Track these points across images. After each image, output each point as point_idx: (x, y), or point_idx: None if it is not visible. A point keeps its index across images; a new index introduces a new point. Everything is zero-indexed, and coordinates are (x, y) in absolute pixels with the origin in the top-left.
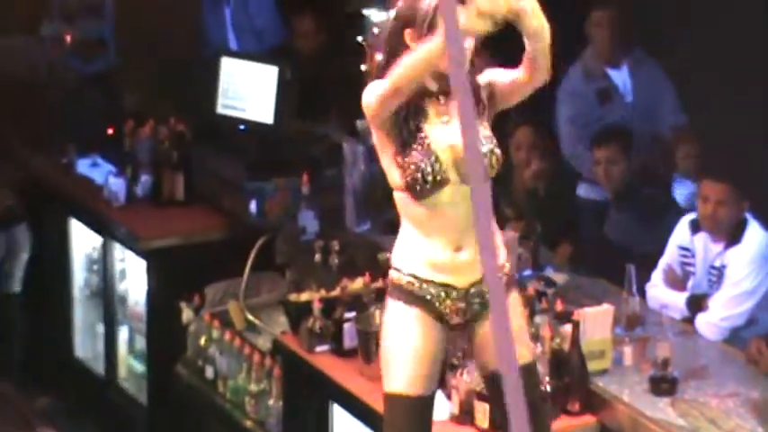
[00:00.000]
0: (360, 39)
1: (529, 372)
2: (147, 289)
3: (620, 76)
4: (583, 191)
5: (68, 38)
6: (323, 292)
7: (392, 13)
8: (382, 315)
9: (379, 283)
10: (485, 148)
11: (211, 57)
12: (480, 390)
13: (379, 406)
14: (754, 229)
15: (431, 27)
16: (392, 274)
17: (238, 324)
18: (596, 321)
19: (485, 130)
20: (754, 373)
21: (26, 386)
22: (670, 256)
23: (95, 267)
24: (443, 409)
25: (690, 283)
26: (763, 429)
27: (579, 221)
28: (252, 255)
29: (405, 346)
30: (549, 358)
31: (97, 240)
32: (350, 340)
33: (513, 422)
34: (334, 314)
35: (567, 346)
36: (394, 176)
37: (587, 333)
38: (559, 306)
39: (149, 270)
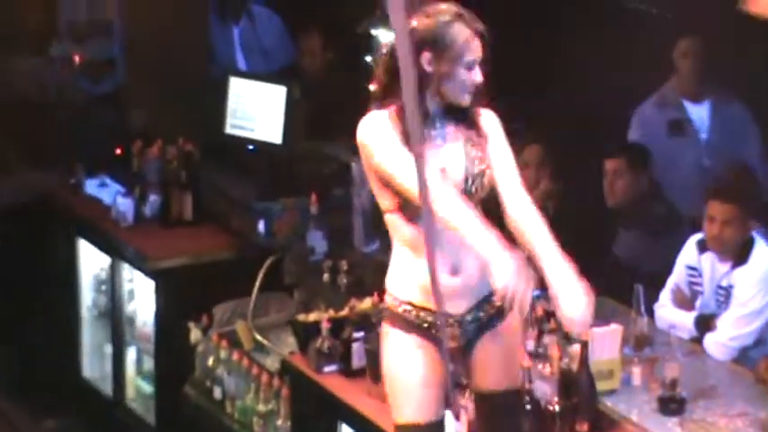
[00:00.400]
0: (368, 58)
1: (511, 396)
2: (156, 309)
3: (699, 111)
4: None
5: (77, 58)
6: (331, 312)
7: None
8: (381, 339)
9: None
10: (476, 169)
11: (220, 77)
12: None
13: (386, 425)
14: (761, 248)
15: (457, 60)
16: (388, 300)
17: (246, 344)
18: (605, 341)
19: (478, 152)
20: (762, 393)
21: (33, 407)
22: (678, 275)
23: (103, 288)
24: (452, 429)
25: (698, 303)
26: None
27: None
28: (260, 275)
29: (410, 375)
30: (557, 378)
31: (105, 261)
32: (358, 360)
33: None
34: (343, 334)
35: (575, 366)
36: (385, 199)
37: (596, 353)
38: None
39: (157, 290)
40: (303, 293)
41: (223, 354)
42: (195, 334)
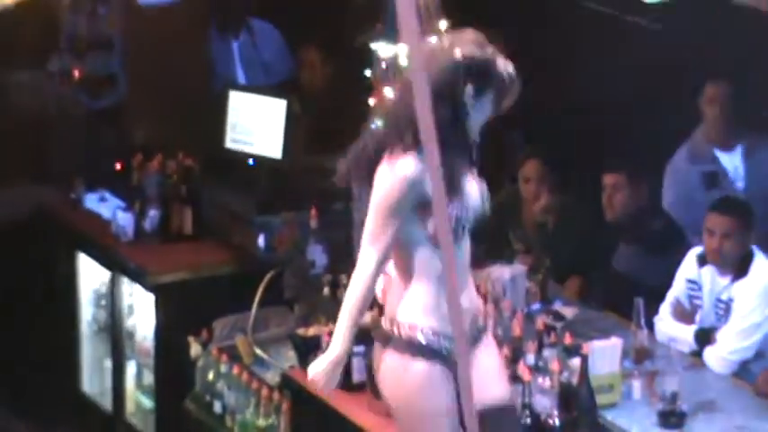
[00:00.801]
0: (367, 73)
1: (506, 412)
2: (156, 324)
3: (732, 160)
4: None
5: (77, 73)
6: (331, 327)
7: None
8: (385, 370)
9: None
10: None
11: (219, 91)
12: None
13: None
14: (760, 261)
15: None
16: (406, 330)
17: (246, 358)
18: (605, 355)
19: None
20: (762, 406)
21: (33, 422)
22: (678, 289)
23: (103, 302)
24: None
25: (698, 317)
26: None
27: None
28: (260, 289)
29: (438, 407)
30: (557, 392)
31: (105, 275)
32: (358, 375)
33: None
34: None
35: (575, 380)
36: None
37: (596, 367)
38: (568, 339)
39: (157, 305)
40: (303, 307)
41: (223, 368)
42: (195, 348)
